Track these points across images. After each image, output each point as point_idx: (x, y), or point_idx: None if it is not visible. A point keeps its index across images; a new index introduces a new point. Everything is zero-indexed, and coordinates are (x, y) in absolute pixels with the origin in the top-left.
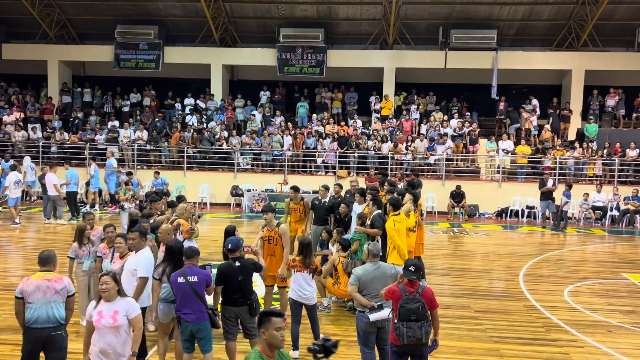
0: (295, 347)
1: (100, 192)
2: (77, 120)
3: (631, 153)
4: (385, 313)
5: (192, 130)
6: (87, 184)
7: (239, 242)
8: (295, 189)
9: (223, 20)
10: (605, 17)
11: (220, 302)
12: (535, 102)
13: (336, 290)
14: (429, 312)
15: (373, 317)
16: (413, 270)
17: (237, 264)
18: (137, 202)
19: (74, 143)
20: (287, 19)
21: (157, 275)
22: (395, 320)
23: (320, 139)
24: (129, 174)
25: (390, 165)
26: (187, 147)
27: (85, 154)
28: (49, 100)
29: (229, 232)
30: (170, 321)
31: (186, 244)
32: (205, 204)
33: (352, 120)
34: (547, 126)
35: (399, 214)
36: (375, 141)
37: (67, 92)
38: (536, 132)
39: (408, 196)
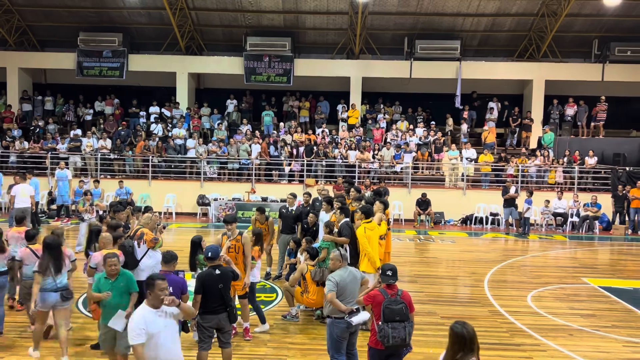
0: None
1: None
2: (37, 129)
3: (590, 161)
4: (366, 315)
5: (157, 139)
6: (50, 193)
7: (219, 250)
8: (260, 210)
9: (189, 28)
10: (563, 29)
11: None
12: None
13: (304, 299)
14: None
15: (356, 320)
16: (391, 274)
17: (217, 272)
18: (97, 212)
19: (35, 152)
20: (254, 28)
21: (38, 268)
22: (380, 322)
23: (286, 147)
24: (96, 182)
25: (358, 173)
26: (152, 156)
27: (47, 163)
28: (8, 108)
29: (195, 243)
30: (48, 310)
31: (150, 253)
32: (170, 213)
33: (320, 129)
34: (487, 128)
35: (371, 221)
36: (343, 150)
37: (27, 100)
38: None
39: (378, 205)
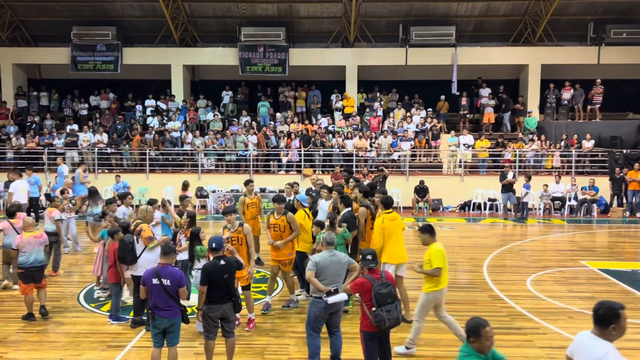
0: None
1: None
2: (34, 125)
3: (587, 144)
4: (343, 296)
5: (153, 132)
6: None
7: (222, 240)
8: (248, 181)
9: (182, 20)
10: (558, 13)
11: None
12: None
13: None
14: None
15: (332, 299)
16: (370, 258)
17: (222, 262)
18: (77, 212)
19: (32, 148)
20: (248, 18)
21: None
22: (374, 309)
23: (283, 138)
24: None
25: (355, 162)
26: (149, 150)
27: (44, 159)
28: (3, 104)
29: (194, 235)
30: None
31: (145, 254)
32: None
33: (316, 119)
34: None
35: (391, 212)
36: (339, 139)
37: (22, 96)
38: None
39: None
